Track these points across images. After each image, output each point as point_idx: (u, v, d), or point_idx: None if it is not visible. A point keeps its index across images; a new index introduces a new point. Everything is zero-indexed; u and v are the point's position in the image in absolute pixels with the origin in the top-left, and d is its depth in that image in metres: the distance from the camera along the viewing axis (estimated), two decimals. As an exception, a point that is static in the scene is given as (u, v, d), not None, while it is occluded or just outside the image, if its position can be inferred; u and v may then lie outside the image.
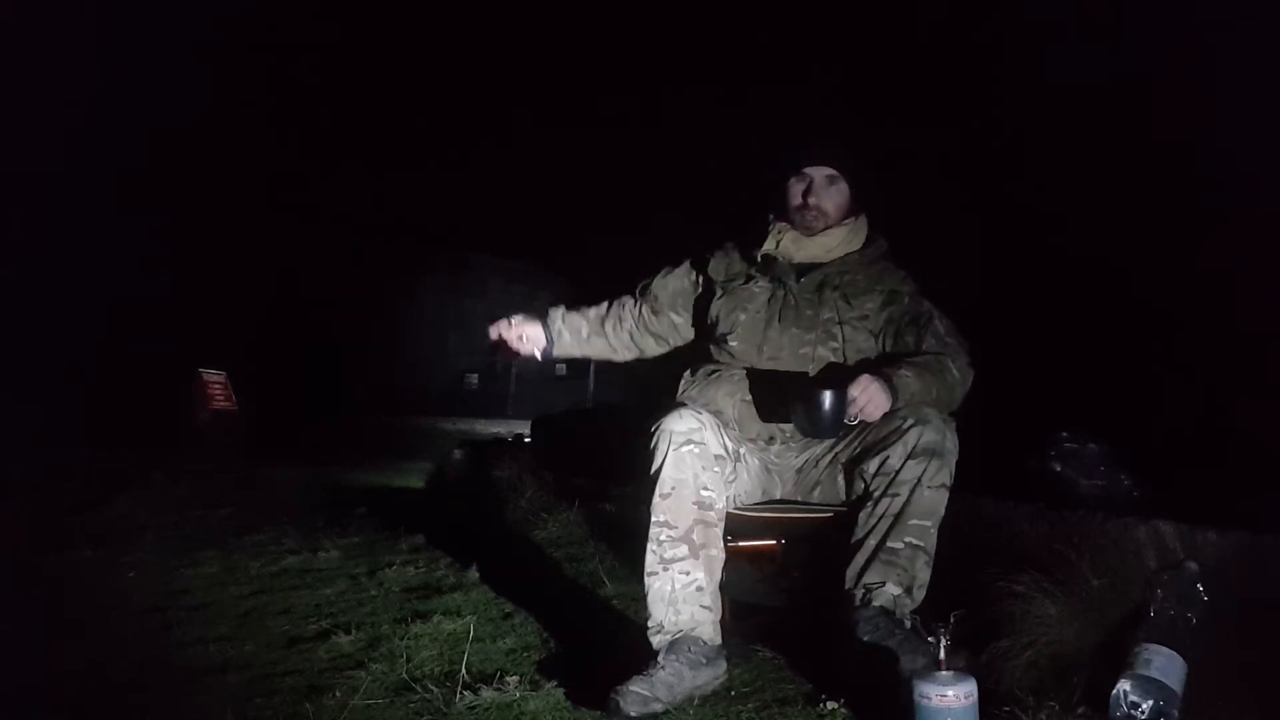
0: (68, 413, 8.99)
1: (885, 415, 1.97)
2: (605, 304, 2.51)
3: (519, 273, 21.97)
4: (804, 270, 2.27)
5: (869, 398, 1.94)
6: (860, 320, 2.20)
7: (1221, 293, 3.50)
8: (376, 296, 19.64)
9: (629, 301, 2.49)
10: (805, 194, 2.26)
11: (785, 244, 2.28)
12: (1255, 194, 3.36)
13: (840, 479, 2.08)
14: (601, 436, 4.75)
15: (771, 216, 2.32)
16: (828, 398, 1.94)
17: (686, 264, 2.47)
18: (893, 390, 1.97)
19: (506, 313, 2.43)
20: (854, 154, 2.32)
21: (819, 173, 2.27)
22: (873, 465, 1.95)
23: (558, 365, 18.71)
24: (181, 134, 16.11)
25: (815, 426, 1.99)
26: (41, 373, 11.37)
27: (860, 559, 1.91)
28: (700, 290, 2.41)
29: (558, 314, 2.49)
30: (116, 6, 13.95)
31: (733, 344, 2.23)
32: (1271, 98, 3.43)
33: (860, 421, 1.98)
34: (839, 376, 2.05)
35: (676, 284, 2.45)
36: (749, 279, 2.29)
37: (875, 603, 1.85)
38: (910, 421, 1.92)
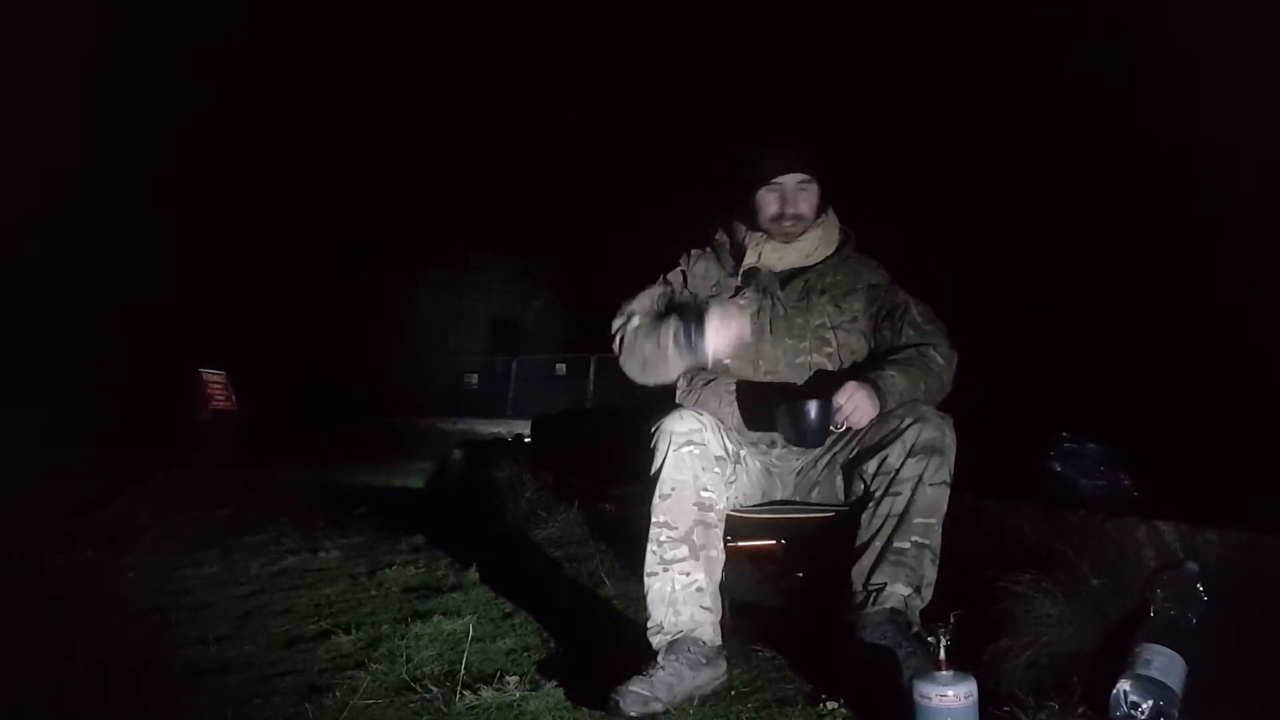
0: (68, 413, 9.00)
1: (881, 415, 1.97)
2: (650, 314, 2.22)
3: (518, 272, 21.97)
4: (786, 277, 2.26)
5: (855, 405, 1.95)
6: (851, 323, 2.20)
7: (1222, 292, 3.50)
8: (376, 296, 19.63)
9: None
10: (781, 204, 2.23)
11: (766, 255, 2.26)
12: (1256, 195, 3.36)
13: (839, 479, 2.08)
14: (601, 436, 4.75)
15: (745, 229, 2.29)
16: (813, 407, 1.94)
17: (673, 280, 2.33)
18: (880, 393, 1.97)
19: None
20: (820, 153, 2.28)
21: (790, 180, 2.24)
22: (872, 465, 1.94)
23: (557, 365, 18.74)
24: (181, 134, 16.15)
25: (801, 436, 1.98)
26: (42, 373, 11.38)
27: (867, 560, 1.89)
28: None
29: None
30: (116, 8, 13.96)
31: (727, 362, 2.20)
32: (1270, 100, 3.43)
33: (847, 429, 1.98)
34: (826, 384, 2.04)
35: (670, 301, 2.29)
36: (736, 292, 2.25)
37: (885, 604, 1.84)
38: (908, 420, 1.91)
